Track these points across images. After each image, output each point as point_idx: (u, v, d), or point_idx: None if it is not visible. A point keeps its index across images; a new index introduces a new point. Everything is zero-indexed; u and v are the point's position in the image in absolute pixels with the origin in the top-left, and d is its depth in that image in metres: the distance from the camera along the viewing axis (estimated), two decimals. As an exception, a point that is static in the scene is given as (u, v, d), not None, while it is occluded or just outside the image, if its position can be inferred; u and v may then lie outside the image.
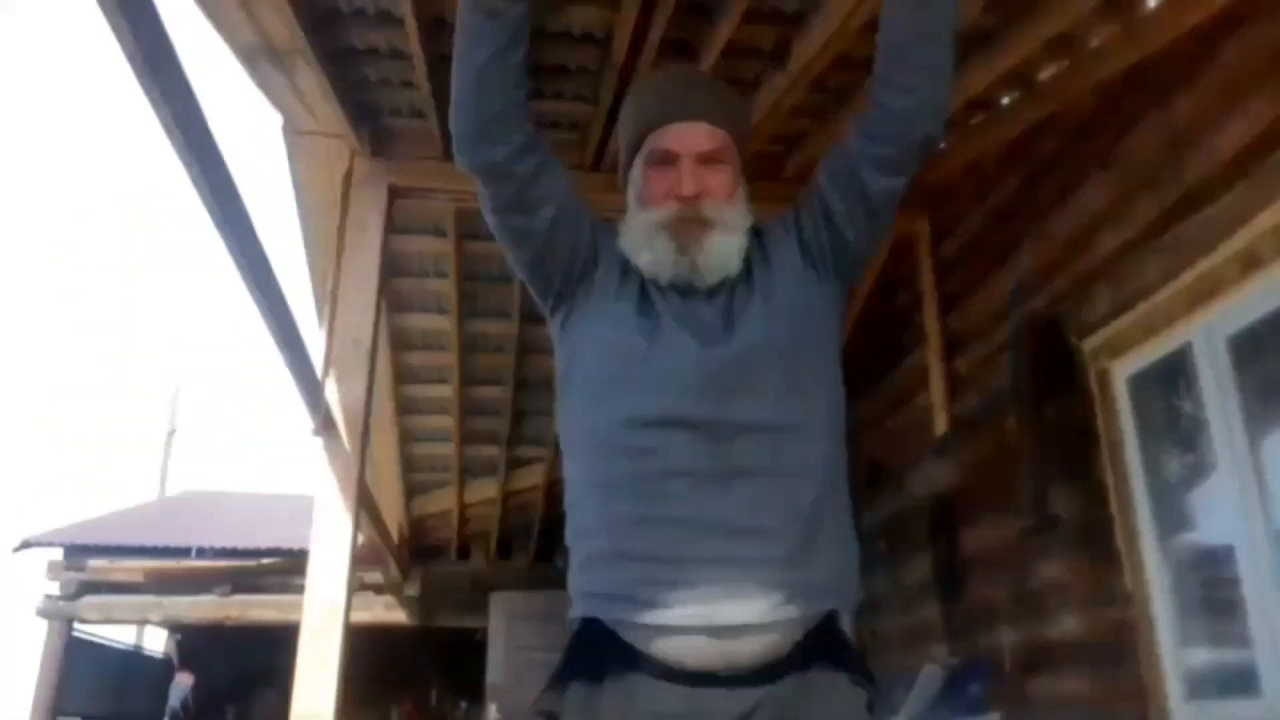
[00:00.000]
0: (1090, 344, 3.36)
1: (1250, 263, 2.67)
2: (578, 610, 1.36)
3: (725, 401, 1.31)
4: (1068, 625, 3.46)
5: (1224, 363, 2.80)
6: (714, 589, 1.24)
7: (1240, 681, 2.71)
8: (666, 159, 1.41)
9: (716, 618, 1.23)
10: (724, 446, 1.30)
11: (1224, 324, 2.81)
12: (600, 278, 1.43)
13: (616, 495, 1.33)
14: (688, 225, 1.38)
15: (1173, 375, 3.04)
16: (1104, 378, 3.33)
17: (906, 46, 1.36)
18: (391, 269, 5.05)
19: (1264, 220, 2.57)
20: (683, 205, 1.39)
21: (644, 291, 1.41)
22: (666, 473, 1.30)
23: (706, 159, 1.41)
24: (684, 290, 1.40)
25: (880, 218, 1.45)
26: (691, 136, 1.41)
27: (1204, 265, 2.80)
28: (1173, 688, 2.94)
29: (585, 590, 1.35)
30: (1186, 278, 2.87)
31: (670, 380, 1.32)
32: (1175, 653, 2.96)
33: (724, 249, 1.39)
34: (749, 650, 1.25)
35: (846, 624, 1.39)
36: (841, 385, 1.45)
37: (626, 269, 1.43)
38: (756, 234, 1.48)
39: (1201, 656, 2.93)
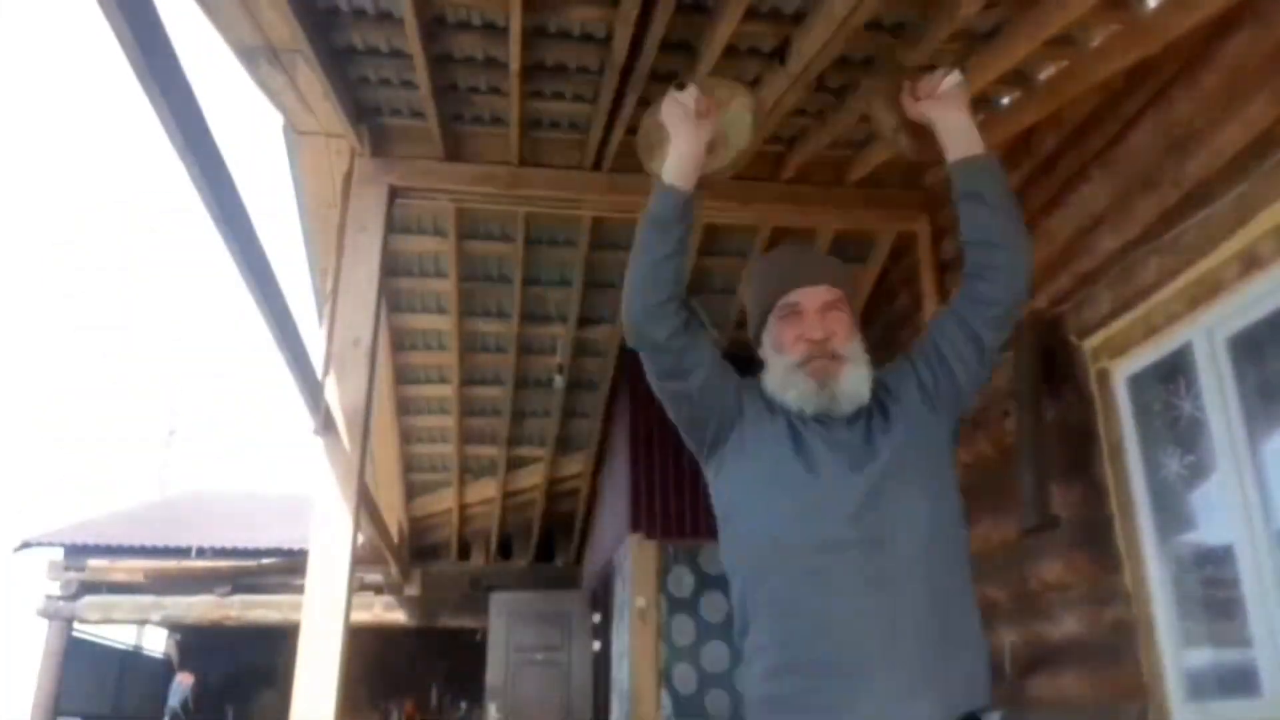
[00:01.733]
0: (1090, 344, 3.36)
1: (1250, 263, 2.67)
2: (754, 717, 1.56)
3: (878, 518, 1.52)
4: (1068, 625, 3.46)
5: (1224, 363, 2.80)
6: (883, 689, 1.43)
7: (1240, 681, 2.71)
8: (795, 311, 1.69)
9: (886, 717, 1.43)
10: (881, 559, 1.49)
11: (1224, 324, 2.81)
12: (750, 425, 1.68)
13: (790, 612, 1.53)
14: (821, 363, 1.64)
15: (1173, 375, 3.04)
16: (1104, 378, 3.33)
17: (996, 243, 1.69)
18: (391, 269, 5.06)
19: (1264, 220, 2.57)
20: (812, 346, 1.65)
21: (793, 430, 1.64)
22: (833, 589, 1.49)
23: (828, 308, 1.69)
24: (825, 421, 1.64)
25: (987, 364, 1.72)
26: (813, 294, 1.69)
27: (1204, 265, 2.80)
28: (1173, 687, 2.94)
29: (765, 696, 1.54)
30: (1186, 278, 2.87)
31: (832, 505, 1.54)
32: (1175, 652, 2.96)
33: (856, 379, 1.64)
34: None
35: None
36: (960, 497, 1.67)
37: (772, 414, 1.67)
38: (879, 381, 1.72)
39: (1201, 656, 2.93)
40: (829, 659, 1.46)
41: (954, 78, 1.81)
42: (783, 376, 1.66)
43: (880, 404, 1.68)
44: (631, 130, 4.04)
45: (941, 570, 1.53)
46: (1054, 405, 3.51)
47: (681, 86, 1.79)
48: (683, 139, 1.73)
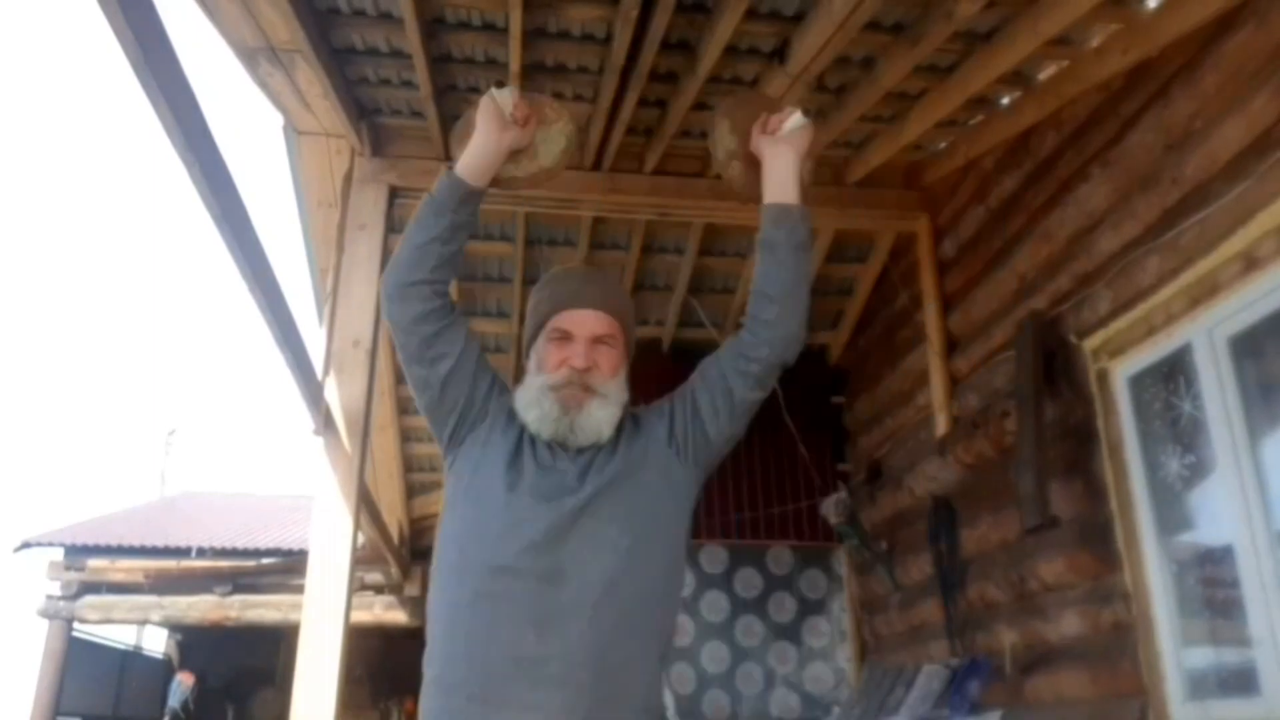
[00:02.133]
0: (1090, 344, 3.36)
1: (1250, 263, 2.68)
2: None
3: (561, 553, 1.49)
4: (1068, 625, 3.46)
5: (1224, 362, 2.80)
6: None
7: (1240, 681, 2.71)
8: (565, 337, 1.65)
9: None
10: (552, 597, 1.47)
11: (1224, 324, 2.81)
12: (488, 430, 1.65)
13: (455, 630, 1.51)
14: (574, 391, 1.61)
15: (1173, 375, 3.04)
16: (1104, 378, 3.33)
17: (773, 297, 1.66)
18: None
19: (1264, 220, 2.58)
20: (571, 373, 1.62)
21: (518, 446, 1.62)
22: (500, 617, 1.47)
23: (598, 340, 1.65)
24: (553, 448, 1.61)
25: (737, 422, 1.68)
26: (588, 322, 1.66)
27: (1204, 265, 2.80)
28: (1172, 687, 2.94)
29: (426, 709, 1.52)
30: (1186, 278, 2.87)
31: (519, 530, 1.51)
32: (1175, 652, 2.96)
33: (599, 416, 1.60)
34: None
35: None
36: (683, 562, 1.66)
37: (510, 426, 1.65)
38: (633, 418, 1.69)
39: (1201, 656, 2.93)
40: (474, 688, 1.45)
41: (795, 120, 1.76)
42: (532, 395, 1.63)
43: (616, 442, 1.63)
44: (631, 130, 4.04)
45: (620, 622, 1.49)
46: (1054, 405, 3.51)
47: (501, 85, 1.80)
48: (484, 135, 1.72)
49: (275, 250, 2.76)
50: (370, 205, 3.96)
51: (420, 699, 1.55)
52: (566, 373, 1.62)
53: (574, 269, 1.84)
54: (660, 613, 1.57)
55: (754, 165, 1.80)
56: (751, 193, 1.79)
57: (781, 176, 1.72)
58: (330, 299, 3.93)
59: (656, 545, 1.58)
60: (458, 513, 1.61)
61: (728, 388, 1.65)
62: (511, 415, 1.66)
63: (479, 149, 1.72)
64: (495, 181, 1.76)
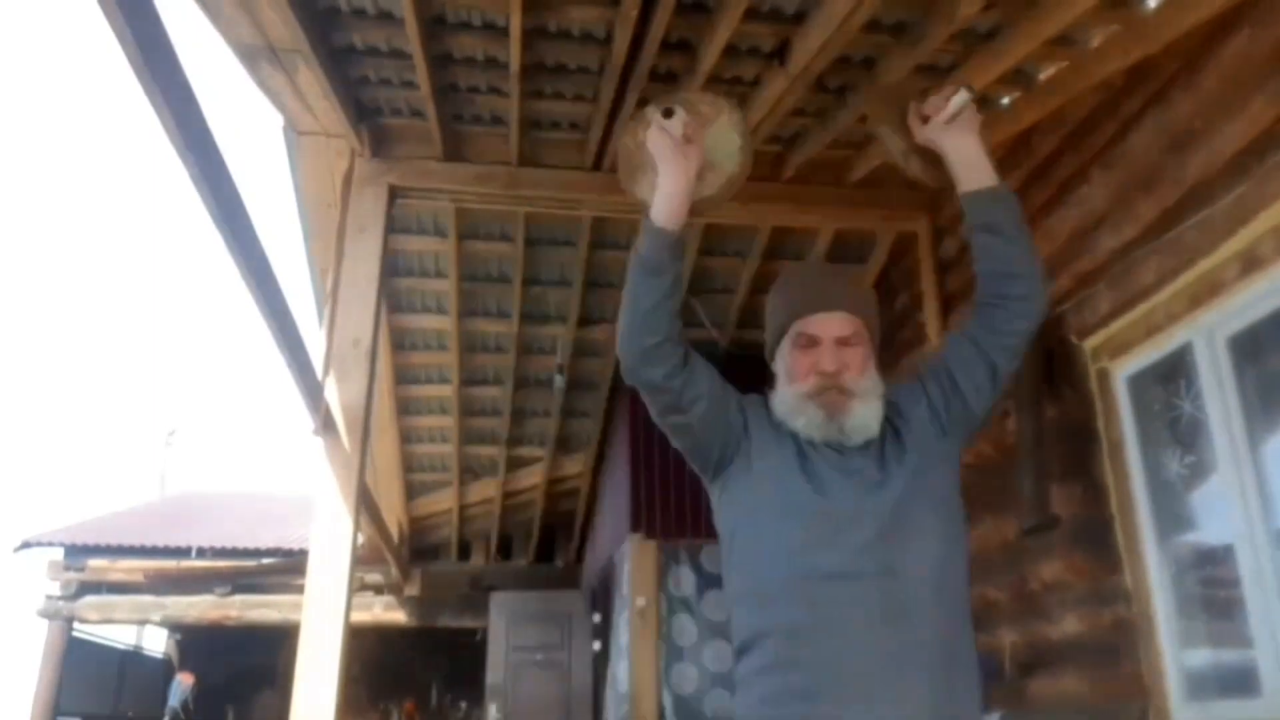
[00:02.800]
0: (1090, 344, 3.36)
1: (1250, 263, 2.67)
2: None
3: (892, 548, 1.52)
4: (1068, 625, 3.46)
5: (1224, 363, 2.80)
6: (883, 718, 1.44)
7: (1240, 681, 2.71)
8: (811, 342, 1.67)
9: None
10: (893, 590, 1.49)
11: (1224, 324, 2.81)
12: (755, 445, 1.66)
13: (799, 639, 1.50)
14: (831, 396, 1.63)
15: (1173, 375, 3.04)
16: (1104, 378, 3.33)
17: (1016, 274, 1.69)
18: (391, 269, 5.06)
19: (1264, 220, 2.58)
20: (823, 378, 1.64)
21: (801, 452, 1.63)
22: (844, 618, 1.48)
23: (843, 342, 1.67)
24: (837, 448, 1.63)
25: (999, 388, 1.72)
26: (831, 324, 1.67)
27: (1204, 265, 2.80)
28: (1173, 687, 2.94)
29: (764, 718, 1.53)
30: (1186, 278, 2.87)
31: (846, 534, 1.52)
32: (1175, 652, 2.96)
33: (864, 414, 1.63)
34: None
35: None
36: (964, 518, 1.67)
37: (779, 436, 1.67)
38: (890, 402, 1.72)
39: (1202, 656, 2.93)
40: (834, 687, 1.46)
41: (960, 97, 1.73)
42: (793, 404, 1.66)
43: (894, 428, 1.67)
44: (631, 130, 4.03)
45: (950, 599, 1.54)
46: (1054, 405, 3.51)
47: (670, 114, 1.66)
48: (671, 175, 1.65)
49: (275, 250, 2.76)
50: (370, 206, 3.96)
51: (752, 714, 1.55)
52: (817, 380, 1.64)
53: (807, 267, 1.90)
54: (969, 604, 1.61)
55: (930, 155, 1.81)
56: (938, 180, 1.81)
57: (972, 161, 1.75)
58: (330, 299, 3.93)
59: (959, 525, 1.63)
60: (766, 530, 1.59)
61: (990, 363, 1.69)
62: (775, 425, 1.68)
63: (673, 192, 1.65)
64: (693, 209, 1.70)
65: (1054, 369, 3.52)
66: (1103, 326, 3.27)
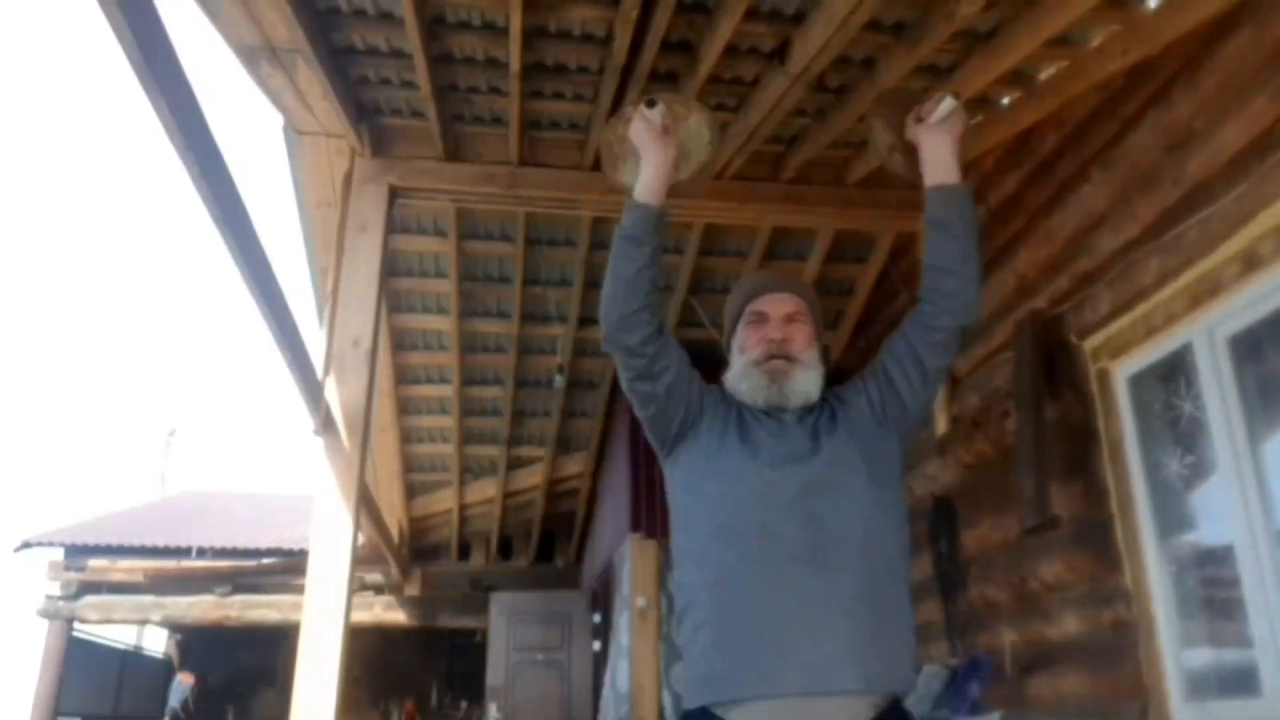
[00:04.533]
0: (1090, 344, 3.36)
1: (1250, 263, 2.67)
2: (691, 700, 1.63)
3: (818, 504, 1.63)
4: (1068, 625, 3.46)
5: (1224, 363, 2.80)
6: (809, 660, 1.52)
7: (1240, 681, 2.71)
8: (761, 318, 1.85)
9: (813, 686, 1.51)
10: (819, 540, 1.59)
11: (1224, 324, 2.81)
12: (706, 423, 1.81)
13: (730, 588, 1.62)
14: (777, 364, 1.79)
15: (1173, 375, 3.04)
16: (1104, 378, 3.33)
17: (949, 269, 1.80)
18: (391, 269, 5.06)
19: (1264, 220, 2.57)
20: (771, 345, 1.81)
21: (743, 422, 1.77)
22: (775, 568, 1.59)
23: (790, 318, 1.84)
24: (775, 415, 1.77)
25: (930, 389, 1.84)
26: (779, 303, 1.86)
27: (1204, 265, 2.80)
28: (1173, 687, 2.94)
29: (702, 675, 1.62)
30: (1186, 278, 2.87)
31: (775, 491, 1.65)
32: (1175, 652, 2.96)
33: (805, 381, 1.79)
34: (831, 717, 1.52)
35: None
36: (904, 509, 1.77)
37: (729, 410, 1.81)
38: (836, 396, 1.85)
39: (1202, 656, 2.93)
40: (762, 632, 1.55)
41: (946, 105, 1.88)
42: (740, 371, 1.82)
43: (832, 411, 1.80)
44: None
45: (878, 562, 1.62)
46: (1054, 405, 3.51)
47: (652, 104, 1.87)
48: (653, 157, 1.85)
49: (275, 250, 2.76)
50: (370, 205, 3.96)
51: (693, 671, 1.64)
52: (765, 347, 1.80)
53: (761, 271, 2.08)
54: (907, 572, 1.69)
55: (914, 153, 1.94)
56: (915, 178, 1.93)
57: (942, 159, 1.86)
58: (330, 299, 3.93)
59: (894, 498, 1.73)
60: (705, 492, 1.73)
61: (917, 357, 1.80)
62: (725, 400, 1.83)
63: (656, 170, 1.84)
64: (670, 192, 1.88)
65: (1054, 369, 3.52)
66: (1103, 326, 3.27)
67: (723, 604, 1.62)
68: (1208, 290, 2.84)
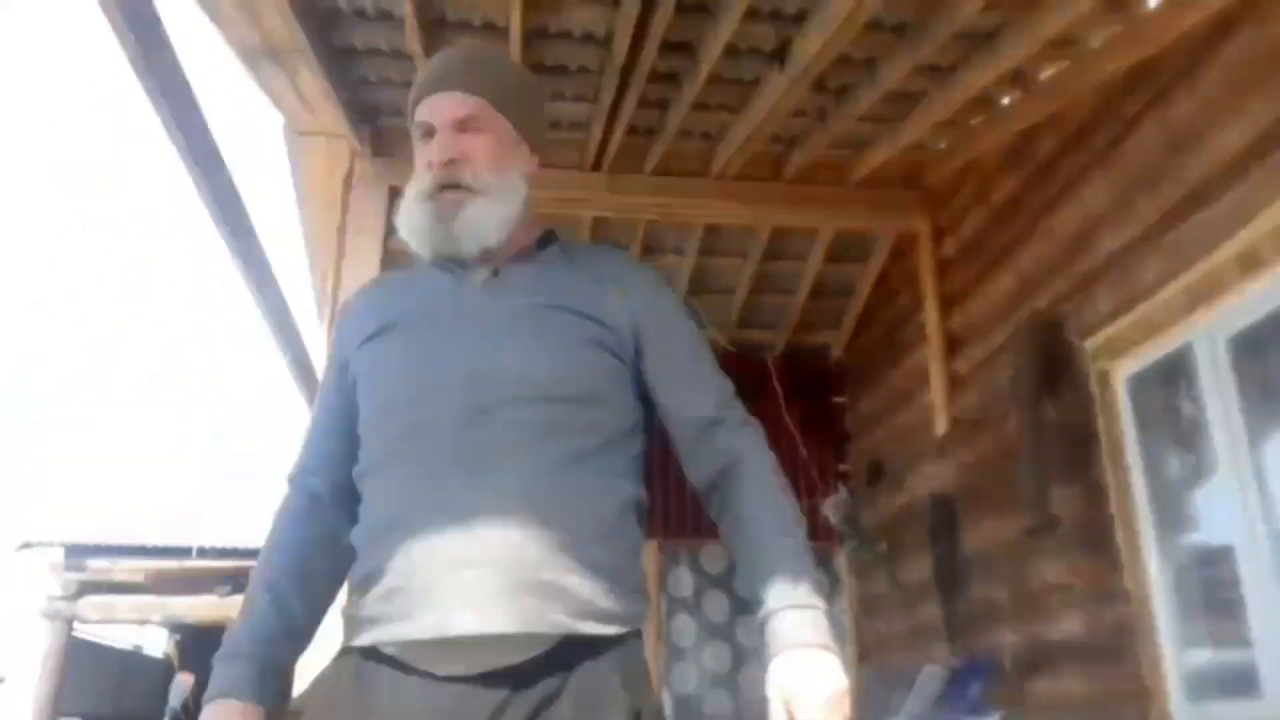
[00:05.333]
0: (1091, 344, 3.36)
1: (1250, 263, 2.67)
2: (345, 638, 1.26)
3: (489, 381, 1.21)
4: (1068, 625, 3.46)
5: (1224, 363, 2.80)
6: (446, 596, 1.13)
7: (1241, 682, 2.71)
8: (428, 132, 1.35)
9: (447, 627, 1.11)
10: (479, 432, 1.19)
11: (1224, 324, 2.81)
12: (358, 343, 1.34)
13: (377, 500, 1.24)
14: (444, 193, 1.32)
15: (1173, 375, 3.04)
16: (1104, 378, 3.33)
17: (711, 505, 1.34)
18: (390, 269, 5.06)
19: (1264, 220, 2.57)
20: (434, 171, 1.32)
21: (417, 283, 1.38)
22: (416, 464, 1.20)
23: (462, 126, 1.33)
24: (453, 269, 1.34)
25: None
26: (444, 105, 1.34)
27: (1204, 265, 2.80)
28: (1173, 688, 2.94)
29: (349, 618, 1.26)
30: (1186, 278, 2.87)
31: (438, 358, 1.24)
32: (1176, 653, 2.96)
33: (482, 216, 1.30)
34: (488, 660, 1.11)
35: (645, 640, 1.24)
36: (637, 428, 1.31)
37: (396, 283, 1.43)
38: (573, 248, 1.42)
39: (1202, 657, 2.93)
40: (400, 571, 1.16)
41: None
42: (405, 210, 1.36)
43: (535, 262, 1.35)
44: (632, 130, 4.03)
45: (566, 465, 1.19)
46: (1054, 406, 3.50)
47: None
48: None
49: (275, 252, 2.76)
50: (371, 207, 3.96)
51: (345, 614, 1.28)
52: (431, 174, 1.32)
53: (444, 50, 1.47)
54: (620, 477, 1.25)
55: None
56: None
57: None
58: (330, 301, 3.93)
59: (597, 384, 1.26)
60: (373, 370, 1.30)
61: (654, 402, 1.34)
62: (371, 307, 1.39)
63: None
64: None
65: (1054, 370, 3.52)
66: (1103, 327, 3.27)
67: (368, 525, 1.24)
68: (1208, 291, 2.84)
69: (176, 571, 10.04)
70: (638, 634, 1.20)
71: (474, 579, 1.12)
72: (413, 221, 1.35)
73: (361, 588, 1.23)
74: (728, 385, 1.38)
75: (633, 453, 1.29)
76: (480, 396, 1.20)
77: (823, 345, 5.98)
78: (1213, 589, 2.90)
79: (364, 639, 1.21)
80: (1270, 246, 2.60)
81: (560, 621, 1.12)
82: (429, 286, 1.35)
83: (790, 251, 5.24)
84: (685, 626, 5.63)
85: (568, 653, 1.12)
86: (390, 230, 4.07)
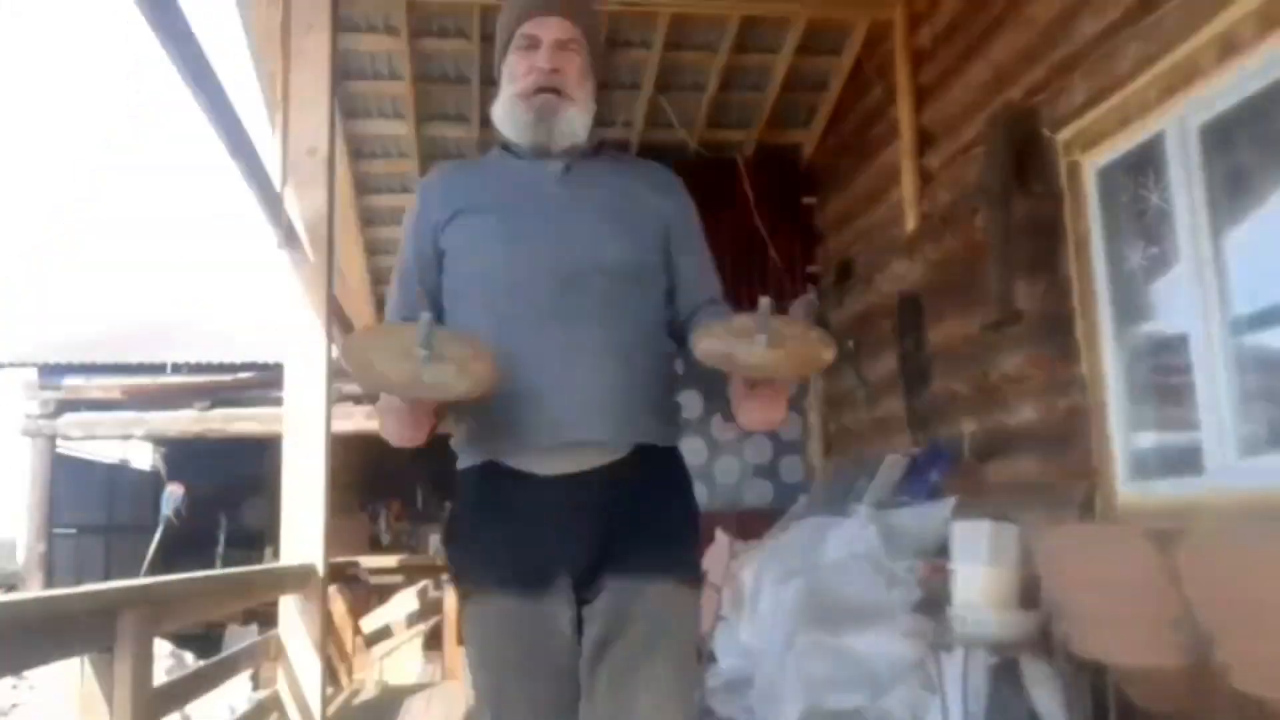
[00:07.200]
0: (1063, 137, 3.31)
1: (1228, 47, 2.60)
2: (462, 460, 1.67)
3: (572, 255, 1.55)
4: (1025, 413, 3.61)
5: (1194, 152, 2.78)
6: (558, 415, 1.51)
7: (1184, 461, 2.86)
8: (532, 44, 1.64)
9: (563, 436, 1.51)
10: (569, 296, 1.53)
11: (1197, 112, 2.77)
12: (462, 201, 1.64)
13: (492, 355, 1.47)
14: (545, 95, 1.61)
15: (1142, 167, 3.03)
16: (1075, 171, 3.31)
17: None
18: (343, 71, 4.82)
19: (1246, 1, 2.48)
20: (539, 75, 1.62)
21: (506, 172, 1.66)
22: (519, 320, 1.53)
23: (562, 45, 1.64)
24: (541, 159, 1.64)
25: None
26: (550, 26, 1.64)
27: (1182, 50, 2.72)
28: (1119, 468, 3.11)
29: (467, 432, 1.65)
30: (1164, 64, 2.80)
31: (531, 238, 1.57)
32: (1124, 436, 3.11)
33: (574, 119, 1.63)
34: (591, 460, 1.52)
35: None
36: (664, 297, 1.65)
37: (482, 174, 1.71)
38: (626, 153, 1.69)
39: (1148, 440, 3.08)
40: (513, 386, 1.48)
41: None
42: (506, 106, 1.65)
43: (614, 168, 1.68)
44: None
45: (631, 325, 1.56)
46: (1023, 201, 3.50)
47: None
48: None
49: (218, 54, 2.60)
50: (315, 2, 3.70)
51: (459, 436, 1.66)
52: (534, 78, 1.62)
53: None
54: (659, 324, 1.62)
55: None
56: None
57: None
58: (281, 105, 3.75)
59: (646, 253, 1.61)
60: (472, 248, 1.59)
61: (672, 283, 1.66)
62: (453, 187, 1.68)
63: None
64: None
65: (1026, 163, 3.49)
66: (1076, 118, 3.22)
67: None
68: (1184, 78, 2.77)
69: (154, 388, 10.11)
70: (678, 450, 1.64)
71: (579, 401, 1.50)
72: (515, 115, 1.63)
73: (474, 412, 1.60)
74: (719, 281, 1.74)
75: (667, 317, 1.67)
76: (570, 268, 1.54)
77: (794, 145, 5.86)
78: (1164, 375, 3.01)
79: (481, 456, 1.62)
80: (1250, 28, 2.52)
81: (637, 434, 1.55)
82: (510, 175, 1.66)
83: (761, 43, 5.04)
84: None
85: (641, 457, 1.55)
86: (337, 27, 3.83)
